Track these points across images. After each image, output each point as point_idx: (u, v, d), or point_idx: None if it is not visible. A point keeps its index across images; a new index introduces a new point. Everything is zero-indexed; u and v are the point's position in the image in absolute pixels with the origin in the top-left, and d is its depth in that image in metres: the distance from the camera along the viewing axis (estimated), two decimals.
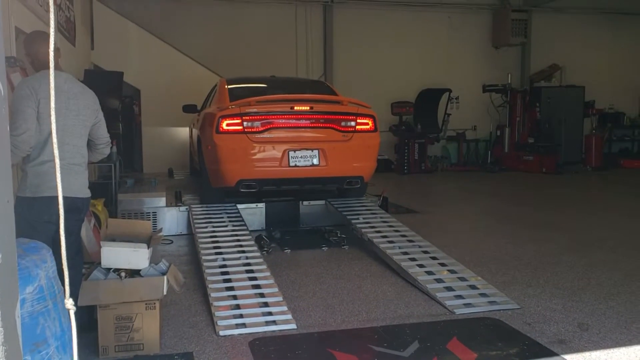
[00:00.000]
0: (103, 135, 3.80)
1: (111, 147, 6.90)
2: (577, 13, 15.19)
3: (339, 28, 14.00)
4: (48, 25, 1.37)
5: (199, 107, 8.23)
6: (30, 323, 1.91)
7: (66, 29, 8.10)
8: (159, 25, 12.36)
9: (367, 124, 6.37)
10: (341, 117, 6.29)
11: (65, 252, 1.51)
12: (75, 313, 3.33)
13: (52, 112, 1.43)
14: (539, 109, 13.83)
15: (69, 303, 1.46)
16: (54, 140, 1.41)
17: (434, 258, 5.13)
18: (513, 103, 13.96)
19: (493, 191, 10.86)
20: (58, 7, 7.44)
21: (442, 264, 4.99)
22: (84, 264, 3.99)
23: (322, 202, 7.09)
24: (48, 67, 3.21)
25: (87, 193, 3.70)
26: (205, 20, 13.05)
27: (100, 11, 11.51)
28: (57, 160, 1.42)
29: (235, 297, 4.24)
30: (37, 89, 3.25)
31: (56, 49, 3.33)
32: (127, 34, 11.80)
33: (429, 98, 13.30)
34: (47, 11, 6.36)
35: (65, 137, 3.47)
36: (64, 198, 3.59)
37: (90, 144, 3.75)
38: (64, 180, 1.43)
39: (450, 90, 13.28)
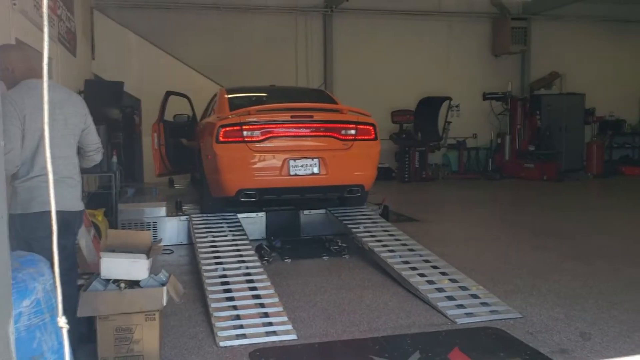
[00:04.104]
0: (93, 141, 3.60)
1: (112, 157, 6.93)
2: (577, 21, 15.21)
3: (339, 37, 14.03)
4: (48, 37, 1.36)
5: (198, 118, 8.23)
6: (27, 337, 1.89)
7: (67, 40, 8.12)
8: (159, 35, 12.40)
9: (367, 132, 6.37)
10: (341, 125, 6.29)
11: (58, 268, 1.47)
12: (75, 324, 3.28)
13: (46, 127, 1.41)
14: (539, 116, 13.83)
15: (62, 321, 1.42)
16: (47, 154, 1.39)
17: (435, 267, 5.10)
18: (513, 111, 13.96)
19: (494, 199, 10.84)
20: (59, 18, 7.47)
21: (443, 273, 4.96)
22: (83, 274, 3.97)
23: (323, 211, 7.07)
24: (26, 78, 3.21)
25: (79, 206, 3.51)
26: (206, 30, 13.09)
27: (100, 21, 11.57)
28: (51, 175, 1.41)
29: (235, 308, 4.22)
30: (21, 105, 3.08)
31: (27, 58, 3.30)
32: (128, 44, 11.87)
33: (430, 106, 13.30)
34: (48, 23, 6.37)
35: (55, 150, 3.24)
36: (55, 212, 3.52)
37: (80, 151, 3.55)
38: (56, 195, 1.41)
39: (450, 99, 13.29)
